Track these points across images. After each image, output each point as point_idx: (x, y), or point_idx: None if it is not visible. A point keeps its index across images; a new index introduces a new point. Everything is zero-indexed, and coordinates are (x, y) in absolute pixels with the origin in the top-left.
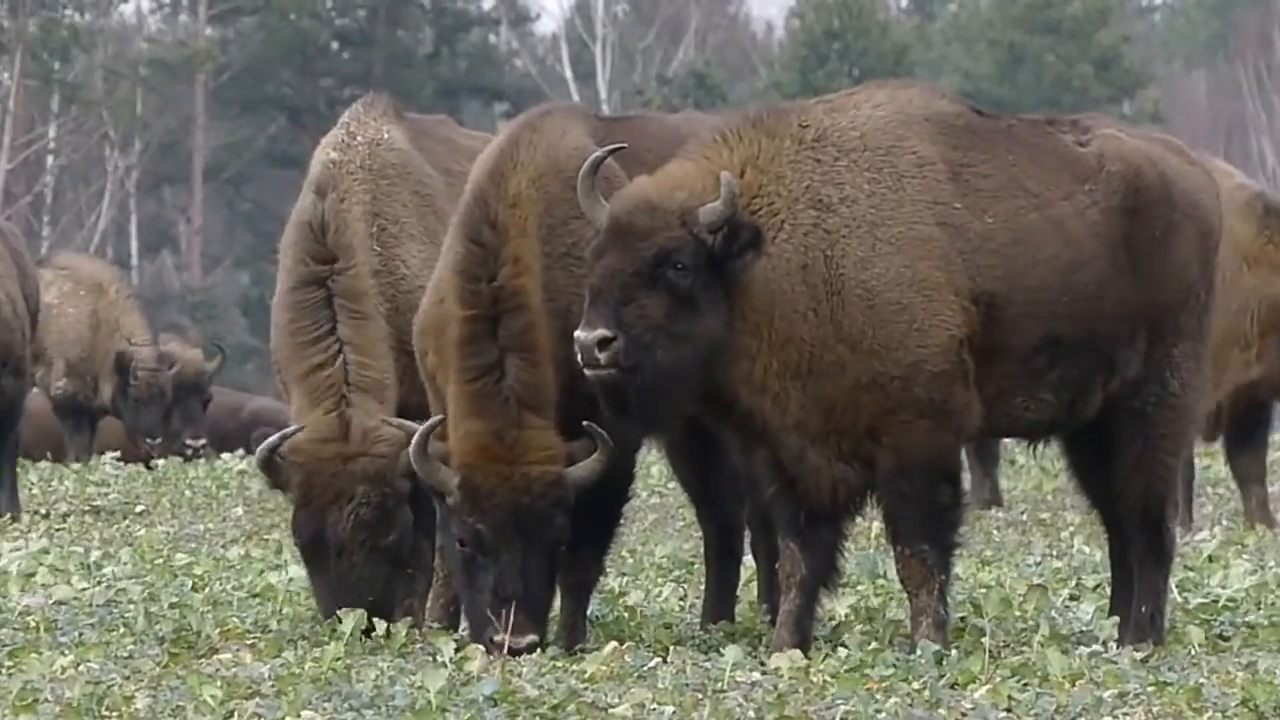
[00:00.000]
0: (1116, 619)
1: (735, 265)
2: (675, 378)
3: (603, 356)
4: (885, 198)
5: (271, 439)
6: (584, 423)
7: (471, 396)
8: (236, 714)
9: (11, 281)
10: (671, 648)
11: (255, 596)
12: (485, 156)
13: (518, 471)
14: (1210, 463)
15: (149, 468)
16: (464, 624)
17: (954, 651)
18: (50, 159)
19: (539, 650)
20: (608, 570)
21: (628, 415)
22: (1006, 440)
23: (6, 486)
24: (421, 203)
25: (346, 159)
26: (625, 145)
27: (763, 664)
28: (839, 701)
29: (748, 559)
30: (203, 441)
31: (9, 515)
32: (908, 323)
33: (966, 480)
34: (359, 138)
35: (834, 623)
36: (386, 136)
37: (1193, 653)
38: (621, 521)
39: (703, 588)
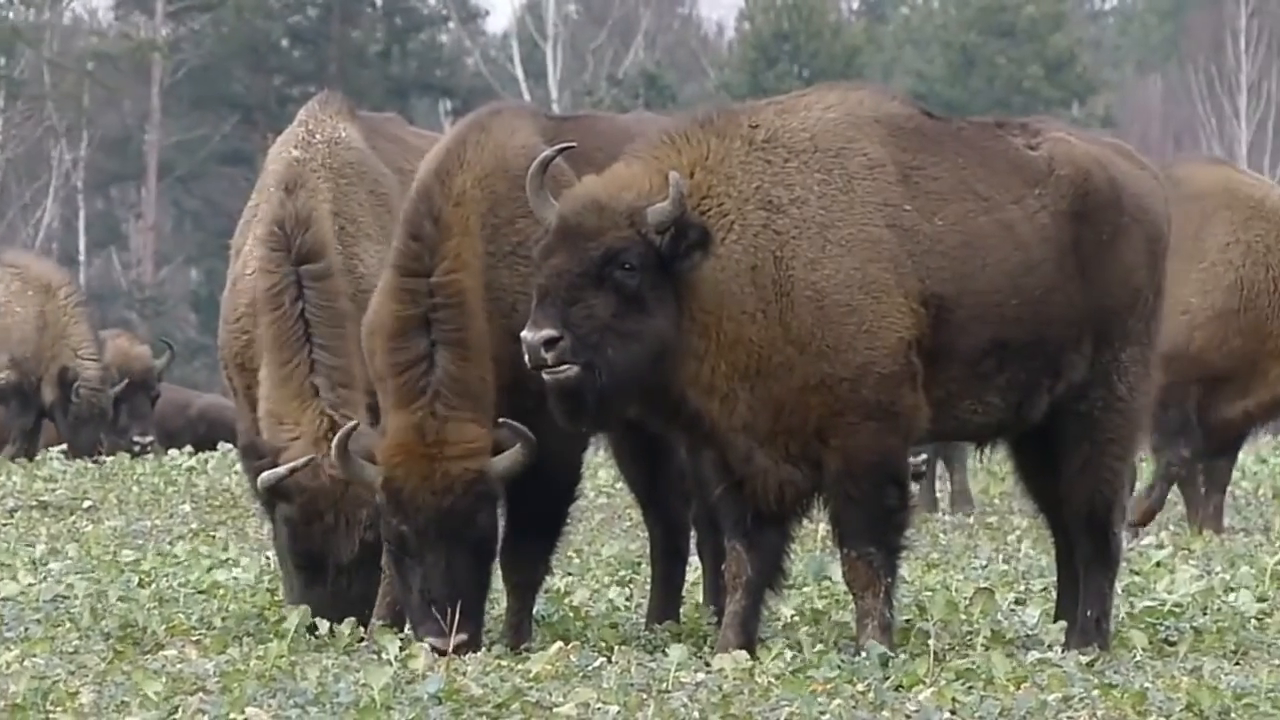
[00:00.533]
0: (1062, 623)
1: (683, 265)
2: (623, 378)
3: (549, 356)
4: (835, 199)
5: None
6: (500, 419)
7: (398, 389)
8: (181, 710)
9: None
10: (617, 647)
11: (201, 593)
12: (432, 154)
13: (438, 470)
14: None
15: (96, 464)
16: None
17: (899, 654)
18: None
19: (475, 649)
20: (554, 570)
21: (575, 415)
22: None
23: None
24: (377, 202)
25: (309, 157)
26: (575, 145)
27: (708, 664)
28: (784, 703)
29: (694, 559)
30: (150, 438)
31: None
32: (857, 324)
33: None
34: (318, 136)
35: (779, 624)
36: (344, 135)
37: (1138, 657)
38: (568, 521)
39: (648, 588)
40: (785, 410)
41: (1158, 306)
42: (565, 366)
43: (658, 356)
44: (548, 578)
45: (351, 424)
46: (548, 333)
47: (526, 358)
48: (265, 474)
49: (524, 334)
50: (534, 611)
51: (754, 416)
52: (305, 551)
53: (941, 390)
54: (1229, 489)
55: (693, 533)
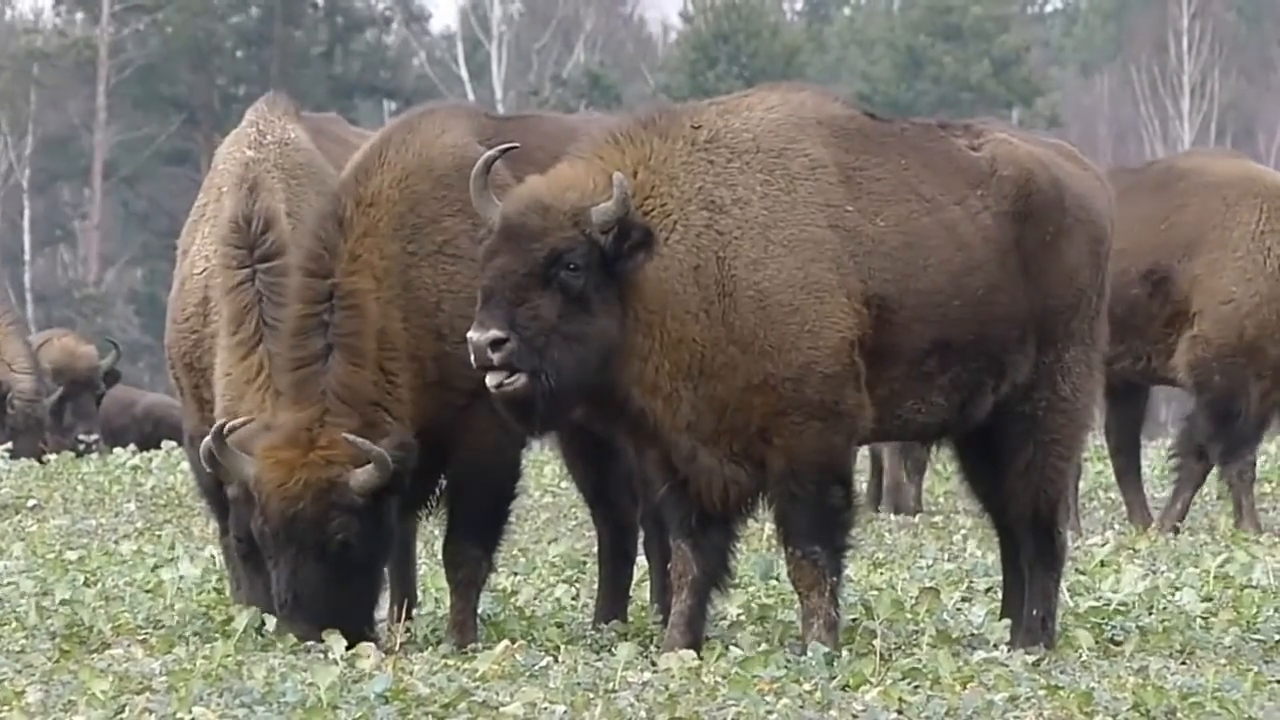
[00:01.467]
0: (1008, 622)
1: (626, 265)
2: (570, 381)
3: (496, 357)
4: (778, 200)
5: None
6: (346, 436)
7: (288, 386)
8: (128, 709)
9: None
10: (563, 647)
11: (147, 592)
12: (357, 154)
13: (295, 475)
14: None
15: (41, 462)
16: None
17: (845, 653)
18: None
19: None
20: (499, 569)
21: (524, 421)
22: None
23: None
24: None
25: (263, 157)
26: (517, 145)
27: (654, 664)
28: (730, 702)
29: (641, 559)
30: (95, 437)
31: None
32: (799, 324)
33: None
34: (269, 137)
35: (726, 623)
36: (293, 136)
37: (1084, 657)
38: (510, 519)
39: (595, 587)
40: (729, 410)
41: (1101, 307)
42: (513, 377)
43: (603, 358)
44: (494, 577)
45: (241, 420)
46: (494, 334)
47: (472, 358)
48: (204, 443)
49: (470, 334)
50: (480, 611)
51: (697, 416)
52: (248, 535)
53: (885, 389)
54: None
55: (640, 533)
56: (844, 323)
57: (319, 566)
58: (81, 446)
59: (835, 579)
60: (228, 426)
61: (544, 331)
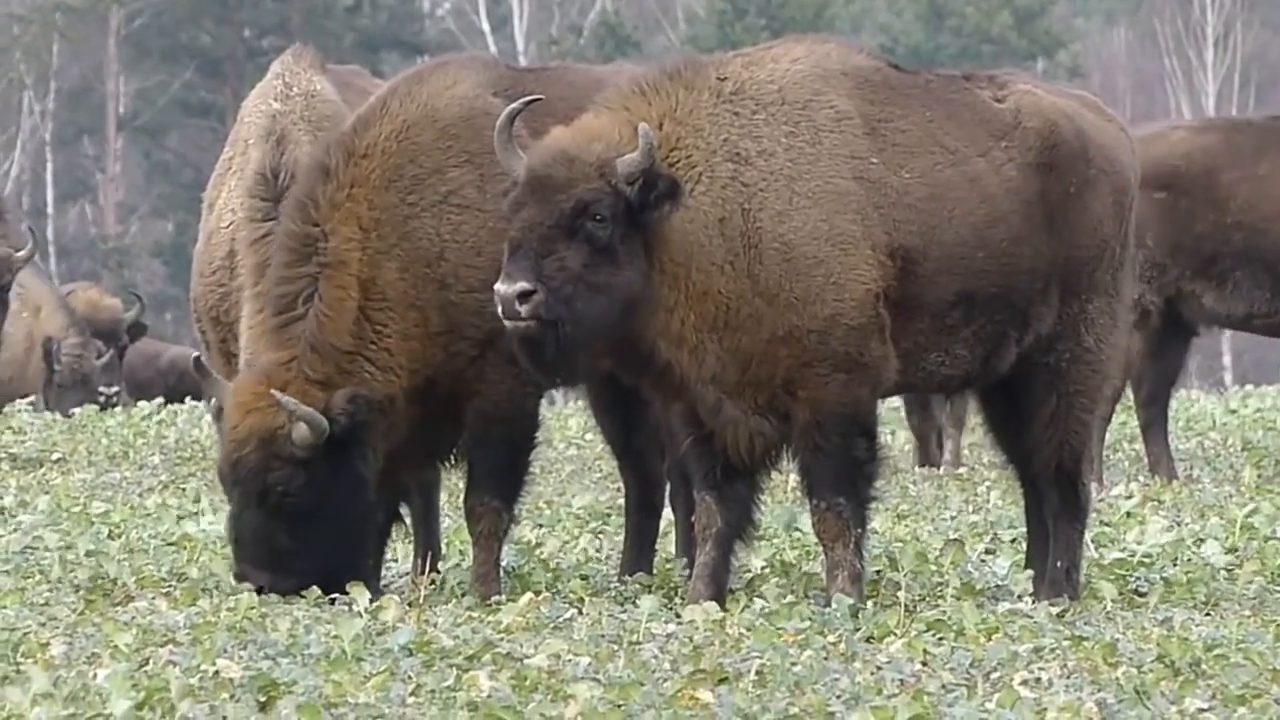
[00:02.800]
0: (1032, 572)
1: (652, 216)
2: (594, 329)
3: (524, 309)
4: (803, 152)
5: None
6: (274, 393)
7: (270, 330)
8: (151, 661)
9: None
10: (588, 599)
11: (171, 545)
12: (362, 106)
13: (244, 421)
14: (1126, 419)
15: (66, 416)
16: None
17: (870, 605)
18: None
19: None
20: (524, 521)
21: (541, 366)
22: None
23: None
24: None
25: (289, 109)
26: (540, 98)
27: (678, 616)
28: (754, 654)
29: (667, 512)
30: (116, 389)
31: None
32: (824, 276)
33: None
34: (295, 89)
35: (750, 575)
36: (319, 88)
37: (1108, 608)
38: (530, 471)
39: (619, 539)
40: (754, 362)
41: (1125, 258)
42: (534, 322)
43: (627, 309)
44: (516, 529)
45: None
46: (521, 285)
47: (500, 309)
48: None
49: (497, 286)
50: (504, 564)
51: (722, 368)
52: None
53: (909, 342)
54: (1200, 439)
55: (666, 485)
56: (869, 274)
57: (259, 513)
58: (103, 399)
59: (860, 531)
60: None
61: (570, 281)
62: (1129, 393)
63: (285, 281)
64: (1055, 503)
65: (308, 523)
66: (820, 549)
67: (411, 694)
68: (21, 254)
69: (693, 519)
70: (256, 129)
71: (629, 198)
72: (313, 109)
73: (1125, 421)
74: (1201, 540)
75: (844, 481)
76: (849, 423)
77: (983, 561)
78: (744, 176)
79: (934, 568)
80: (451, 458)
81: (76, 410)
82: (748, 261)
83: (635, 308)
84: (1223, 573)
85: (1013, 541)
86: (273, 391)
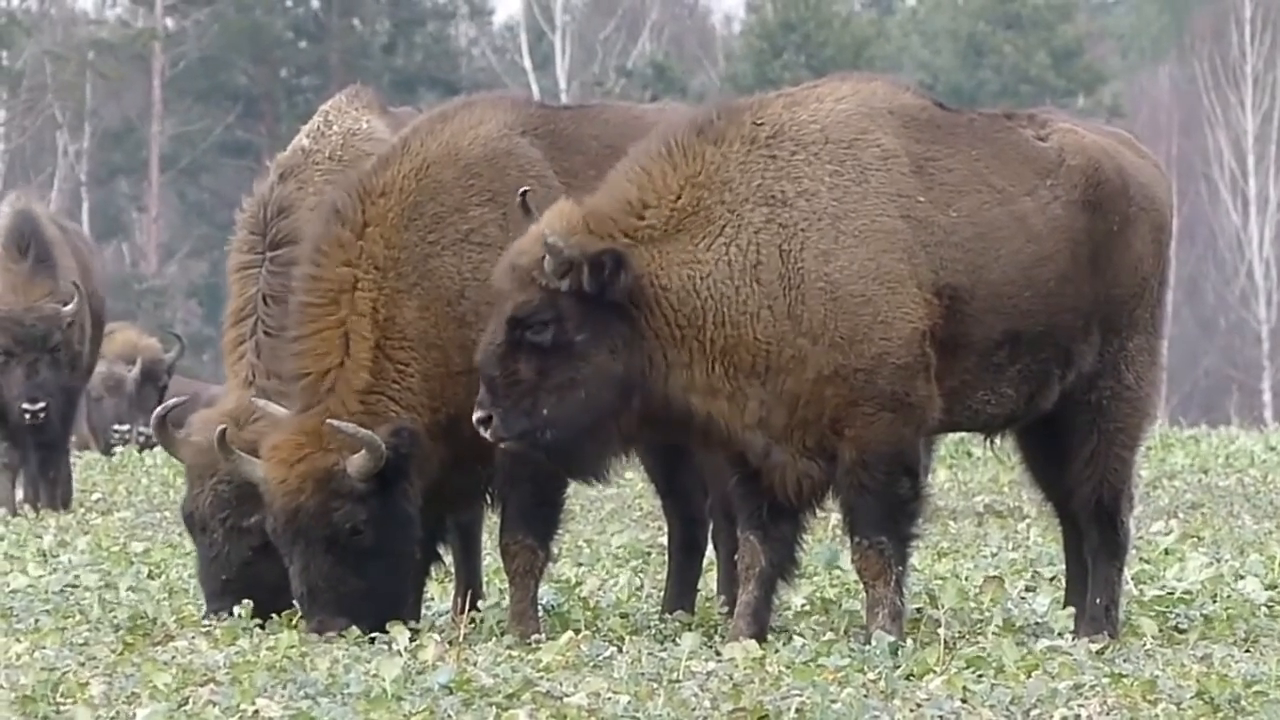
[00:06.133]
0: (1072, 610)
1: (616, 292)
2: (579, 425)
3: (489, 434)
4: (849, 190)
5: None
6: (331, 422)
7: (291, 378)
8: (191, 701)
9: (74, 275)
10: (627, 637)
11: None
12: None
13: (293, 471)
14: (1166, 455)
15: (107, 455)
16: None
17: (910, 642)
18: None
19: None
20: (564, 559)
21: (571, 469)
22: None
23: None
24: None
25: (317, 148)
26: (528, 189)
27: (719, 654)
28: (794, 692)
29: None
30: (126, 427)
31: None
32: (872, 315)
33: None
34: (335, 127)
35: (790, 613)
36: (365, 127)
37: (1148, 645)
38: (564, 508)
39: (659, 577)
40: (800, 403)
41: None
42: (505, 442)
43: (615, 391)
44: (556, 567)
45: (221, 426)
46: (478, 414)
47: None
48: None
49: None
50: (544, 602)
51: (768, 412)
52: (189, 514)
53: (955, 380)
54: (1240, 476)
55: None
56: (916, 313)
57: (329, 557)
58: (115, 438)
59: (901, 569)
60: (224, 430)
61: (527, 393)
62: (1168, 429)
63: (302, 325)
64: (1095, 540)
65: (373, 559)
66: (860, 586)
67: None
68: (171, 355)
69: (735, 558)
70: (278, 162)
71: (581, 288)
72: (350, 147)
73: (1164, 459)
74: (1241, 576)
75: (887, 520)
76: (893, 461)
77: (1023, 599)
78: (781, 218)
79: (974, 605)
80: (489, 496)
81: (119, 450)
82: (788, 303)
83: (629, 384)
84: (1263, 609)
85: (1052, 579)
86: (329, 422)
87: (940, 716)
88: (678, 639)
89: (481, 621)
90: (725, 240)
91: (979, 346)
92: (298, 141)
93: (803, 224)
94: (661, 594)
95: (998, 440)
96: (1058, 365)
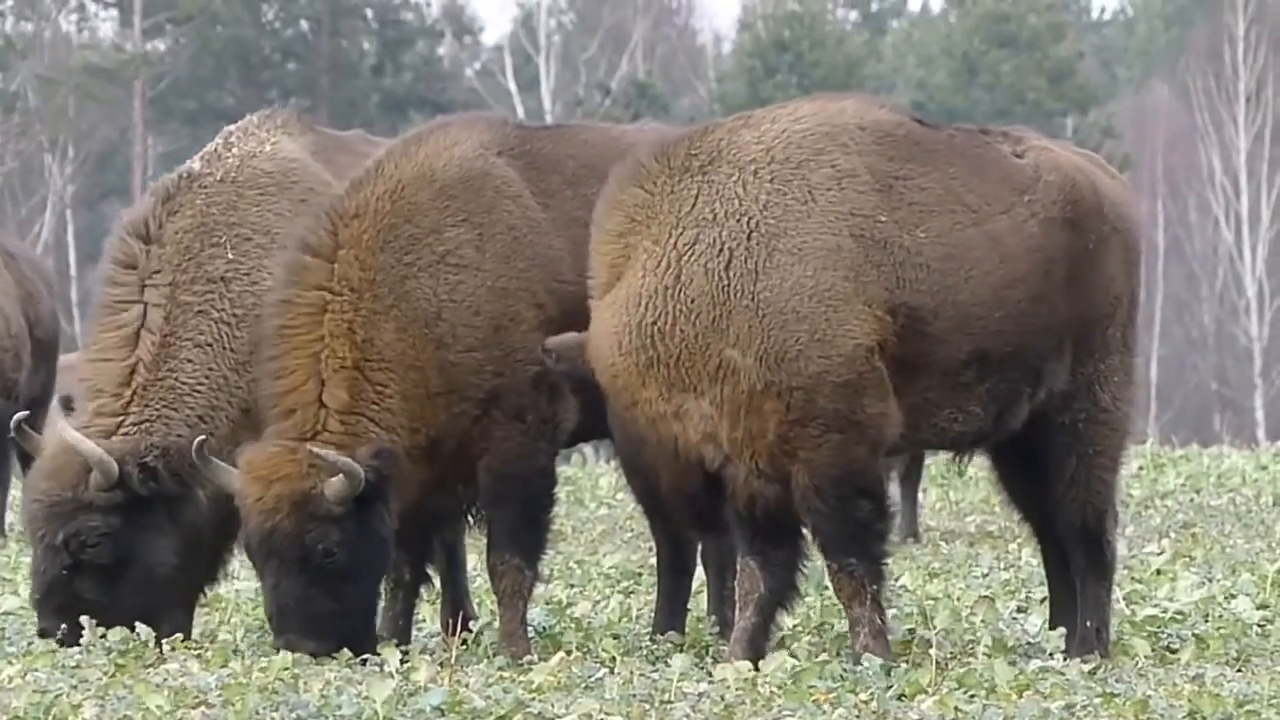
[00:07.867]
0: (1064, 630)
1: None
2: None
3: None
4: (789, 209)
5: None
6: (311, 449)
7: (270, 400)
8: None
9: (11, 301)
10: (619, 658)
11: (203, 606)
12: (360, 166)
13: (270, 490)
14: (1158, 475)
15: None
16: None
17: (902, 663)
18: None
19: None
20: (555, 580)
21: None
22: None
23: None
24: (308, 212)
25: (208, 171)
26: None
27: (710, 675)
28: (786, 713)
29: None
30: None
31: None
32: (808, 333)
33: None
34: (234, 150)
35: (781, 634)
36: (268, 149)
37: (1140, 665)
38: (551, 527)
39: (650, 598)
40: (742, 413)
41: (1134, 314)
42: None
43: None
44: (548, 588)
45: (200, 437)
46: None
47: None
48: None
49: None
50: (535, 623)
51: (713, 426)
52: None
53: (918, 398)
54: (1231, 495)
55: (698, 544)
56: (860, 329)
57: (302, 578)
58: None
59: (876, 587)
60: (201, 440)
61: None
62: (1159, 448)
63: (275, 346)
64: (1081, 562)
65: (344, 584)
66: None
67: None
68: None
69: (725, 578)
70: (151, 189)
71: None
72: (248, 169)
73: (1156, 479)
74: (1233, 596)
75: (851, 543)
76: (846, 484)
77: (1014, 619)
78: (708, 238)
79: (966, 625)
80: (469, 516)
81: None
82: (713, 317)
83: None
84: (1255, 628)
85: (1044, 599)
86: (310, 448)
87: None
88: (669, 660)
89: (474, 642)
90: (651, 267)
91: (944, 365)
92: (185, 165)
93: (730, 242)
94: (652, 615)
95: (967, 459)
96: (1028, 384)
